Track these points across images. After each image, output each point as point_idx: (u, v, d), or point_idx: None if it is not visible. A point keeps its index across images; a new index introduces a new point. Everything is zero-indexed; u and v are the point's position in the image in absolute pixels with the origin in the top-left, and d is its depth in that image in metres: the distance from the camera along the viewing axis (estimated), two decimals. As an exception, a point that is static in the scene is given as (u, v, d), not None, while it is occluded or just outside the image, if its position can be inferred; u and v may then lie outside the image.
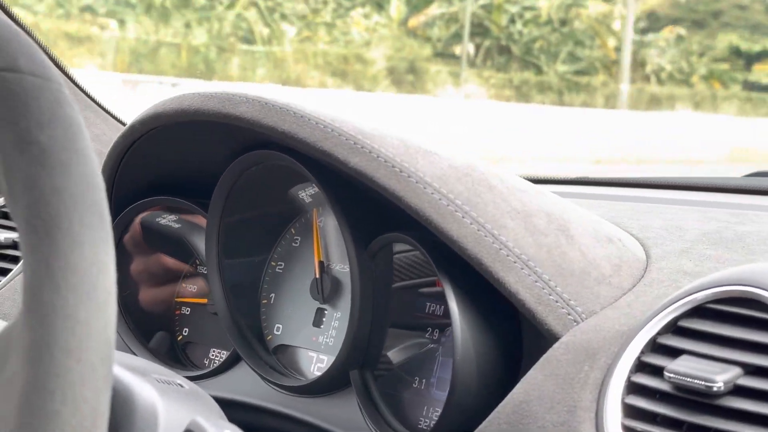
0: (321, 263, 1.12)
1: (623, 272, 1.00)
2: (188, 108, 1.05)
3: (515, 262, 0.93)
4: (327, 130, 0.97)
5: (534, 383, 0.88)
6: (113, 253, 0.58)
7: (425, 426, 1.03)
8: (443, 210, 0.94)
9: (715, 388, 0.79)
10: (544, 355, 0.90)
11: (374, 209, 1.06)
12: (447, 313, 1.04)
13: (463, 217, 0.94)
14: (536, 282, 0.93)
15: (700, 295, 0.85)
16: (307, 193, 1.17)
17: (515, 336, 0.98)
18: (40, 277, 0.55)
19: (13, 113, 0.56)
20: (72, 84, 1.52)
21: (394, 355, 1.06)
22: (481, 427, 0.89)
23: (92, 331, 0.56)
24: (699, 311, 0.85)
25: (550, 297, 0.93)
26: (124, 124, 1.49)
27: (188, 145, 1.15)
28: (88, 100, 1.47)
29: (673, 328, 0.86)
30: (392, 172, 0.95)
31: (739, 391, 0.79)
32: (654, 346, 0.85)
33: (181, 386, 0.87)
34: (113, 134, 1.27)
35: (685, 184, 1.49)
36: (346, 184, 1.04)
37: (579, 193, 1.44)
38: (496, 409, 0.89)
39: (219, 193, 1.13)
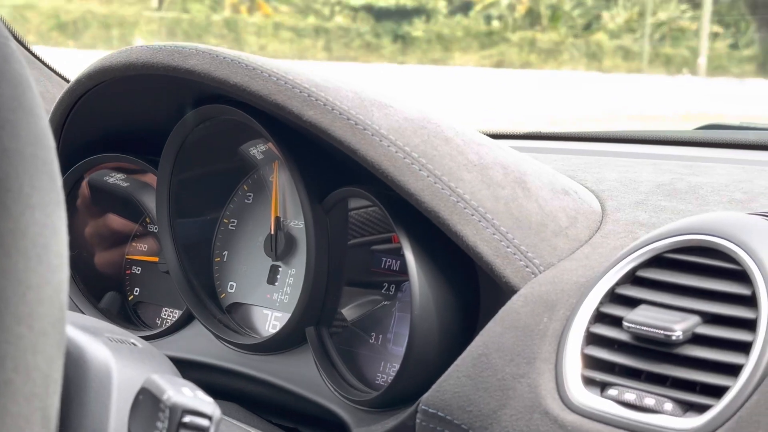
0: (277, 219, 1.10)
1: (579, 224, 0.99)
2: (136, 61, 1.02)
3: (473, 215, 0.92)
4: (280, 83, 0.95)
5: (493, 335, 0.88)
6: (65, 216, 0.56)
7: (382, 381, 1.03)
8: (399, 163, 0.93)
9: (673, 337, 0.79)
10: (503, 308, 0.89)
11: (329, 164, 1.04)
12: (403, 269, 1.04)
13: (419, 170, 0.93)
14: (494, 234, 0.92)
15: (659, 245, 0.85)
16: (258, 149, 1.16)
17: (472, 289, 0.98)
18: None
19: None
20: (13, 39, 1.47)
21: (350, 311, 1.05)
22: (440, 380, 0.89)
23: (44, 297, 0.54)
24: (657, 261, 0.85)
25: (508, 249, 0.92)
26: (68, 81, 1.45)
27: (136, 101, 1.12)
28: (30, 56, 1.44)
29: (632, 278, 0.85)
30: (347, 125, 0.93)
31: (696, 339, 0.79)
32: (612, 297, 0.85)
33: (135, 345, 0.85)
34: (57, 91, 1.24)
35: (638, 138, 1.49)
36: (300, 139, 1.03)
37: (534, 147, 1.43)
38: (455, 363, 0.88)
39: (169, 149, 1.11)
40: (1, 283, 0.52)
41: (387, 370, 1.03)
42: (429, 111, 1.04)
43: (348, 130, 0.93)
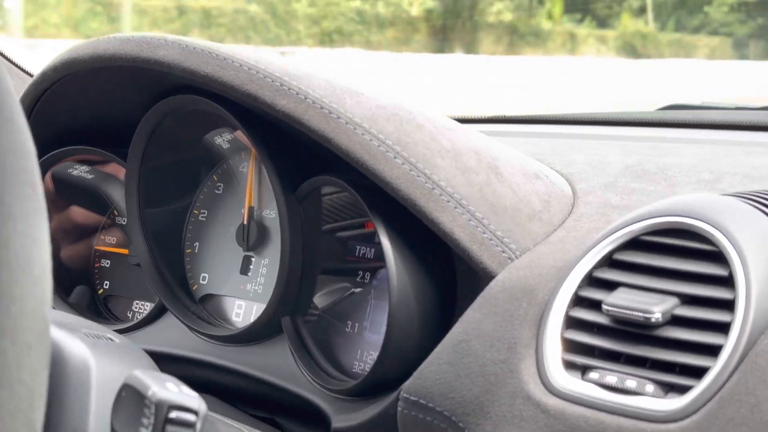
0: (251, 209, 1.10)
1: (552, 208, 1.00)
2: (104, 53, 1.01)
3: (448, 202, 0.92)
4: (252, 73, 0.95)
5: (472, 322, 0.88)
6: (47, 225, 0.55)
7: (360, 370, 1.03)
8: (374, 151, 0.92)
9: (653, 319, 0.79)
10: (481, 294, 0.90)
11: (301, 153, 1.04)
12: (378, 256, 1.04)
13: (394, 158, 0.92)
14: (470, 221, 0.92)
15: (635, 228, 0.85)
16: (224, 138, 1.15)
17: (449, 276, 0.98)
18: None
19: None
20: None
21: (325, 299, 1.05)
22: (420, 367, 0.89)
23: (27, 310, 0.53)
24: (633, 244, 0.85)
25: (484, 235, 0.92)
26: (31, 75, 1.43)
27: (104, 93, 1.11)
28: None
29: (608, 261, 0.86)
30: (321, 113, 0.93)
31: (675, 320, 0.80)
32: (590, 280, 0.85)
33: (112, 340, 0.85)
34: (20, 86, 1.22)
35: (603, 120, 1.50)
36: (272, 128, 1.02)
37: (499, 131, 1.43)
38: (435, 350, 0.89)
39: (137, 140, 1.10)
40: None
41: (364, 358, 1.03)
42: (399, 98, 1.03)
43: (321, 118, 0.93)
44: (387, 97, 1.01)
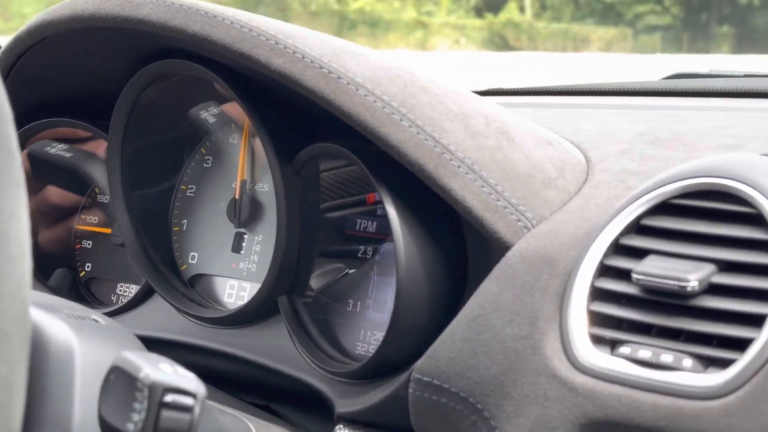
0: (243, 182, 1.03)
1: (567, 175, 0.93)
2: (82, 13, 0.93)
3: (459, 167, 0.85)
4: (244, 30, 0.87)
5: (489, 295, 0.81)
6: (26, 198, 0.47)
7: (363, 351, 0.96)
8: (379, 113, 0.85)
9: (689, 288, 0.73)
10: (497, 265, 0.83)
11: (296, 121, 0.97)
12: (380, 230, 0.97)
13: (401, 120, 0.85)
14: (483, 187, 0.85)
15: (664, 190, 0.79)
16: (210, 112, 1.08)
17: (459, 248, 0.91)
18: None
19: None
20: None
21: (324, 277, 0.98)
22: (433, 346, 0.82)
23: (4, 292, 0.46)
24: (662, 208, 0.79)
25: (498, 203, 0.85)
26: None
27: (81, 60, 1.04)
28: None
29: (636, 227, 0.79)
30: (320, 73, 0.86)
31: (712, 289, 0.74)
32: (616, 248, 0.79)
33: (97, 321, 0.78)
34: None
35: (607, 89, 1.44)
36: (264, 95, 0.95)
37: (500, 102, 1.37)
38: (449, 326, 0.82)
39: (120, 109, 1.03)
40: None
41: (367, 339, 0.96)
42: (400, 60, 0.97)
43: (321, 78, 0.86)
44: (388, 59, 0.94)
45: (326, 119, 0.91)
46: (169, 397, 0.63)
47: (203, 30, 0.88)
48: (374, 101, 0.86)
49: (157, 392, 0.63)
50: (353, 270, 0.98)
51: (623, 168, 0.96)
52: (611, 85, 1.45)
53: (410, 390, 0.82)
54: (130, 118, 1.03)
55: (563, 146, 0.99)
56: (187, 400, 0.64)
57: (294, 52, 0.86)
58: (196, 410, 0.64)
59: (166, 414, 0.63)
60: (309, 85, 0.86)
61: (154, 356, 0.67)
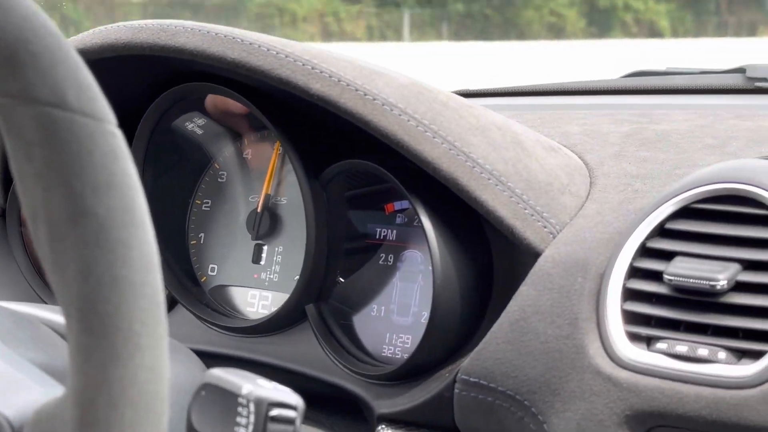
0: (267, 196, 1.07)
1: (576, 180, 1.00)
2: (116, 42, 0.96)
3: (489, 179, 0.91)
4: (281, 57, 0.92)
5: (528, 299, 0.87)
6: (167, 350, 0.49)
7: (390, 354, 1.01)
8: (413, 131, 0.91)
9: (718, 286, 0.80)
10: (532, 270, 0.89)
11: (321, 138, 1.01)
12: (399, 237, 1.02)
13: (433, 137, 0.91)
14: (511, 197, 0.91)
15: (686, 195, 0.85)
16: (196, 123, 1.11)
17: (485, 254, 0.97)
18: (94, 387, 0.46)
19: (64, 170, 0.46)
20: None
21: (350, 284, 1.03)
22: (478, 348, 0.88)
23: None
24: (684, 212, 0.86)
25: (526, 211, 0.92)
26: None
27: (104, 86, 1.06)
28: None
29: (660, 231, 0.86)
30: (356, 96, 0.91)
31: (739, 286, 0.81)
32: (644, 251, 0.86)
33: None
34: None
35: (572, 89, 1.50)
36: (290, 114, 1.00)
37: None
38: (492, 329, 0.88)
39: (143, 130, 1.06)
40: None
41: (394, 342, 1.01)
42: (411, 77, 1.02)
43: (358, 101, 0.91)
44: (403, 76, 1.00)
45: (349, 134, 0.96)
46: (275, 411, 0.68)
47: (241, 57, 0.92)
48: (408, 120, 0.91)
49: (263, 407, 0.67)
50: (376, 277, 1.03)
51: (623, 171, 1.03)
52: (575, 84, 1.52)
53: (456, 390, 0.88)
54: (152, 137, 1.06)
55: (565, 152, 1.05)
56: (289, 413, 0.68)
57: (330, 76, 0.91)
58: (298, 422, 0.69)
59: (272, 427, 0.68)
60: (347, 107, 0.91)
61: (247, 373, 0.71)
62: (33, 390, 0.61)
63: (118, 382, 0.47)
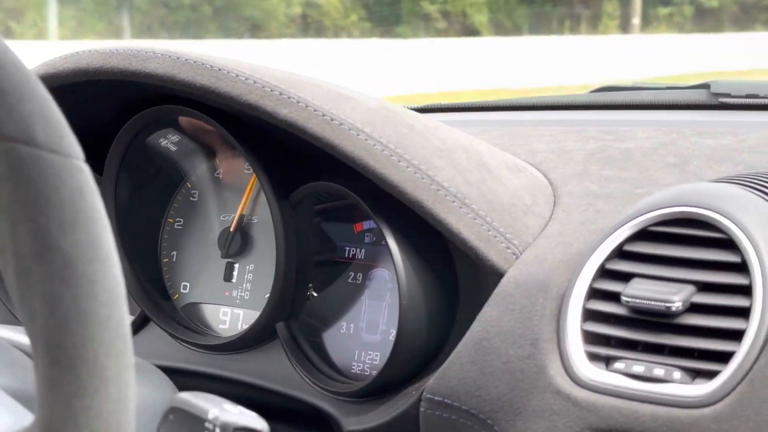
0: (242, 216, 1.09)
1: (540, 200, 1.02)
2: (87, 67, 0.98)
3: (453, 202, 0.94)
4: (249, 83, 0.94)
5: (491, 320, 0.90)
6: (134, 383, 0.50)
7: (359, 371, 1.03)
8: (379, 155, 0.93)
9: (673, 308, 0.83)
10: (495, 291, 0.91)
11: (287, 159, 1.03)
12: (368, 256, 1.04)
13: (398, 161, 0.93)
14: (475, 219, 0.94)
15: (644, 218, 0.88)
16: (170, 140, 1.13)
17: (450, 274, 0.99)
18: (61, 419, 0.48)
19: (31, 206, 0.47)
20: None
21: (320, 301, 1.06)
22: (442, 368, 0.90)
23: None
24: (642, 234, 0.88)
25: (489, 233, 0.94)
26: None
27: (72, 105, 1.08)
28: None
29: (618, 252, 0.89)
30: (323, 121, 0.93)
31: (693, 308, 0.83)
32: (603, 272, 0.88)
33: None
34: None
35: (539, 104, 1.53)
36: (258, 135, 1.02)
37: (447, 121, 1.45)
38: (456, 349, 0.90)
39: (115, 151, 1.08)
40: None
41: (363, 359, 1.03)
42: (380, 99, 1.04)
43: (325, 126, 0.93)
44: (372, 99, 1.02)
45: (318, 156, 0.98)
46: None
47: (210, 83, 0.94)
48: (374, 144, 0.93)
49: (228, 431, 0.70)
50: (346, 294, 1.05)
51: (587, 191, 1.06)
52: (543, 99, 1.54)
53: (422, 408, 0.91)
54: (124, 157, 1.08)
55: (531, 172, 1.08)
56: None
57: (298, 102, 0.93)
58: None
59: None
60: (314, 132, 0.93)
61: (213, 397, 0.74)
62: (3, 418, 0.63)
63: (84, 414, 0.48)
